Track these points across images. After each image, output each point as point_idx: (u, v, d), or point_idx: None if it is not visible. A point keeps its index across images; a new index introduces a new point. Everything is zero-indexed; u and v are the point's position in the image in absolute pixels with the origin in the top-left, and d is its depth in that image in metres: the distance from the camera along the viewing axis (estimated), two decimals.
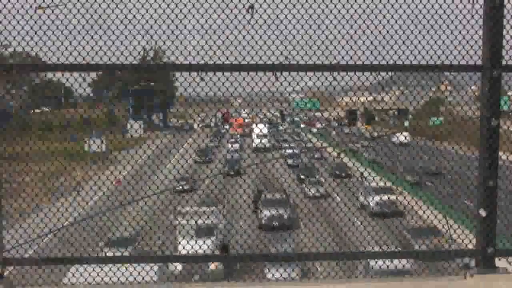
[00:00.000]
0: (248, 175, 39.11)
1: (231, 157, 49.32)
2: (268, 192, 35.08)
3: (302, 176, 45.35)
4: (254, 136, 56.58)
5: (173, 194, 33.60)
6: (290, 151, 53.01)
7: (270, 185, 38.11)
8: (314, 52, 4.61)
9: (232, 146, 55.84)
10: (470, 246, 4.72)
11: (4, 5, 4.37)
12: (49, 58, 4.42)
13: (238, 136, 62.38)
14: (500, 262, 4.56)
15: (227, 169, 44.94)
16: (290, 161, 50.18)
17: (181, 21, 4.52)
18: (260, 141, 55.95)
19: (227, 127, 67.06)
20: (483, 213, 4.46)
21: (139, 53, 5.06)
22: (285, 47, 4.64)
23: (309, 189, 42.90)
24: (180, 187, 37.11)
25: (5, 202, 4.70)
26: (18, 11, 4.37)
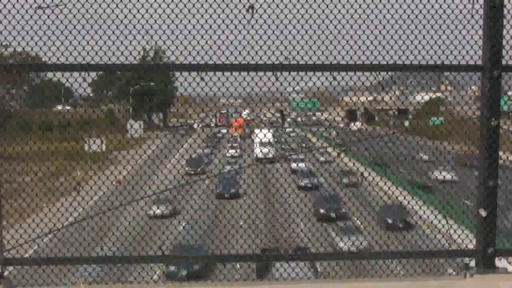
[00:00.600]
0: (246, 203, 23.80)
1: (226, 175, 40.09)
2: (279, 252, 22.28)
3: (322, 211, 32.53)
4: (256, 143, 46.29)
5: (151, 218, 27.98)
6: (302, 165, 41.21)
7: (281, 239, 24.53)
8: (314, 52, 4.61)
9: (230, 152, 48.20)
10: (470, 246, 4.72)
11: (4, 5, 4.37)
12: (49, 58, 4.42)
13: (239, 137, 56.27)
14: (500, 262, 4.56)
15: (220, 190, 37.22)
16: (304, 182, 37.17)
17: (181, 21, 4.52)
18: (264, 149, 46.16)
19: (224, 130, 63.21)
20: (483, 213, 4.46)
21: (139, 53, 5.06)
22: (285, 47, 4.65)
23: (342, 240, 26.84)
24: (158, 211, 30.36)
25: (5, 202, 4.70)
26: (18, 11, 4.37)
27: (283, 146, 50.66)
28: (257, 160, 44.31)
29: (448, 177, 26.32)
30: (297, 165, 42.23)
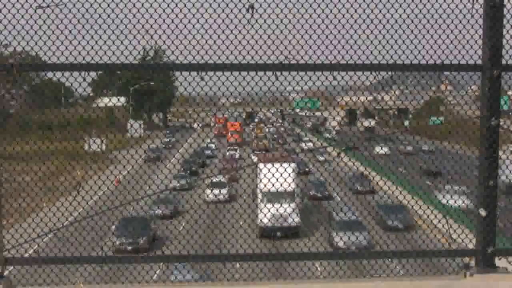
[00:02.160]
0: None
1: None
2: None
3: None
4: (261, 194, 23.27)
5: None
6: None
7: None
8: (314, 52, 4.62)
9: (213, 193, 27.23)
10: (470, 246, 4.72)
11: (4, 5, 4.37)
12: (49, 58, 4.42)
13: (235, 150, 43.92)
14: (500, 262, 4.56)
15: None
16: None
17: (181, 21, 4.52)
18: (279, 207, 22.23)
19: (213, 144, 48.21)
20: (483, 212, 4.46)
21: (139, 53, 5.07)
22: (285, 47, 4.65)
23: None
24: None
25: (5, 201, 4.70)
26: (18, 11, 4.37)
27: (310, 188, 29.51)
28: (262, 233, 23.05)
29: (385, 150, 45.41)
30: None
